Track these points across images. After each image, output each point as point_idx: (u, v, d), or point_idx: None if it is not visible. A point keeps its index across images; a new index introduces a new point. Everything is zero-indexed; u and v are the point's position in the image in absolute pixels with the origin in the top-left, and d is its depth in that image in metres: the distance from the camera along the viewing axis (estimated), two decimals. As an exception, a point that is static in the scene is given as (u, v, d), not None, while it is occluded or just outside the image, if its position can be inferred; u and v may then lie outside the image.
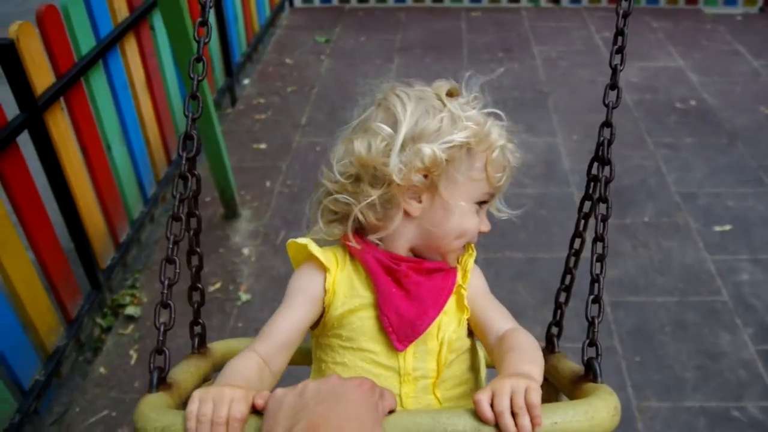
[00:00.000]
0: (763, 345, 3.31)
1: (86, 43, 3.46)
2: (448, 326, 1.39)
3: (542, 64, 6.32)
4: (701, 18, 7.35)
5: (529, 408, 1.06)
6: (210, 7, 1.36)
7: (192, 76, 1.34)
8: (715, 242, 4.01)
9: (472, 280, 1.44)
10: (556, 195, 4.43)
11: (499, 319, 1.40)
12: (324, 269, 1.38)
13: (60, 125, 3.21)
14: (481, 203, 1.40)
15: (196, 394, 1.11)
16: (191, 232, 1.39)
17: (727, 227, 4.12)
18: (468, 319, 1.43)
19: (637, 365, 3.23)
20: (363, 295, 1.37)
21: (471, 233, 1.40)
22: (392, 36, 7.08)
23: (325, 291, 1.38)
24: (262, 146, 5.08)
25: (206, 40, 1.36)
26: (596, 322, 1.31)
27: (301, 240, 1.41)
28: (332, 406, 1.03)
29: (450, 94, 1.39)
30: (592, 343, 1.30)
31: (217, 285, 3.74)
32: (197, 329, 1.47)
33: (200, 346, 1.48)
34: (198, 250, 1.43)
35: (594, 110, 5.25)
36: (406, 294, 1.36)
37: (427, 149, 1.30)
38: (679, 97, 5.65)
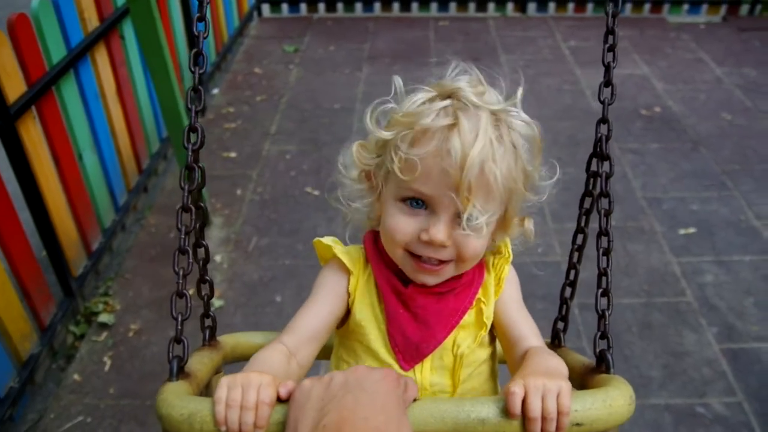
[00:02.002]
0: (727, 343, 3.39)
1: (57, 52, 3.47)
2: (463, 341, 1.35)
3: (509, 73, 6.36)
4: (666, 26, 7.48)
5: (560, 414, 1.06)
6: (208, 3, 1.36)
7: (193, 69, 1.34)
8: (680, 245, 4.09)
9: (505, 290, 1.41)
10: (525, 200, 4.46)
11: (529, 337, 1.37)
12: (348, 272, 1.36)
13: (32, 133, 3.21)
14: (407, 200, 1.24)
15: (224, 381, 1.09)
16: (197, 225, 1.36)
17: (692, 230, 4.21)
18: (495, 329, 1.41)
19: (604, 365, 3.27)
20: (378, 307, 1.35)
21: (401, 236, 1.25)
22: (361, 45, 7.12)
23: (348, 293, 1.36)
24: (232, 155, 5.09)
25: (205, 35, 1.36)
26: (606, 314, 1.32)
27: (327, 241, 1.38)
28: (359, 398, 1.03)
29: (449, 95, 1.36)
30: (604, 336, 1.31)
31: (190, 291, 3.72)
32: (207, 322, 1.45)
33: (210, 338, 1.47)
34: (204, 242, 1.41)
35: (560, 118, 5.34)
36: (412, 316, 1.33)
37: (354, 146, 1.33)
38: (645, 104, 5.75)
